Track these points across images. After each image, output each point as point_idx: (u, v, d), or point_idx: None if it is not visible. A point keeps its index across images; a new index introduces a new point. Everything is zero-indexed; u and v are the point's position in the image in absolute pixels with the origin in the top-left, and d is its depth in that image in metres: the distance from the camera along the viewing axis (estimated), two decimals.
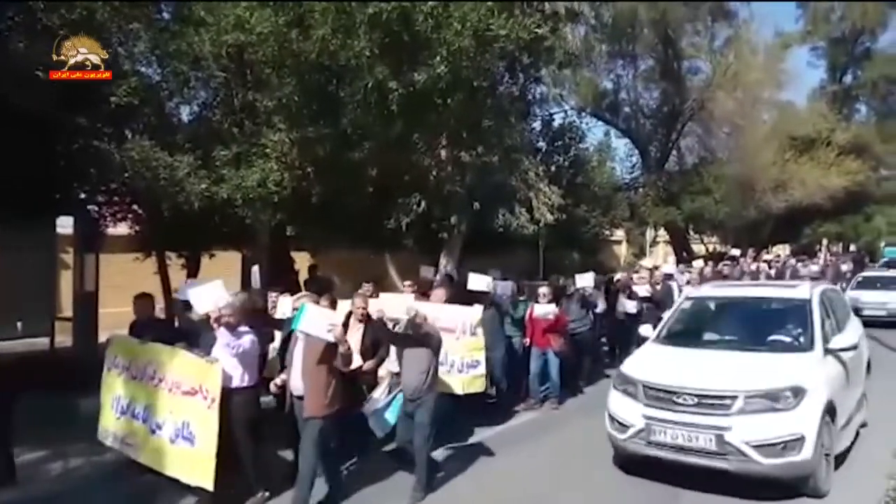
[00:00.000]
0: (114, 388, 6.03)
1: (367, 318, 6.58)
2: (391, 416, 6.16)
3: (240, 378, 5.51)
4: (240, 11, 8.02)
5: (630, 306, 11.47)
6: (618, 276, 14.14)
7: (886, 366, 10.10)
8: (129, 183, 8.30)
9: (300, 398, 5.43)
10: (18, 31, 7.63)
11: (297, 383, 5.48)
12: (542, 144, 16.48)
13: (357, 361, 6.21)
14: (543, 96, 13.80)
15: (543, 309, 8.92)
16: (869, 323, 13.40)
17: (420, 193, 11.19)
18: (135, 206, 10.31)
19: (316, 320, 5.24)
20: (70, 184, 8.88)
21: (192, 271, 11.44)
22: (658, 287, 12.54)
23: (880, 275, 19.36)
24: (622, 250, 30.15)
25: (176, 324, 7.62)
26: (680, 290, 13.09)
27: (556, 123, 17.22)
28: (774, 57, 26.28)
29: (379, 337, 6.41)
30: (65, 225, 10.69)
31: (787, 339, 6.45)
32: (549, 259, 18.43)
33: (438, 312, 6.73)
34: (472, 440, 7.47)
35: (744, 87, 23.57)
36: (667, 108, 25.00)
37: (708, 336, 6.96)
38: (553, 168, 15.62)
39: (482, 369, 7.23)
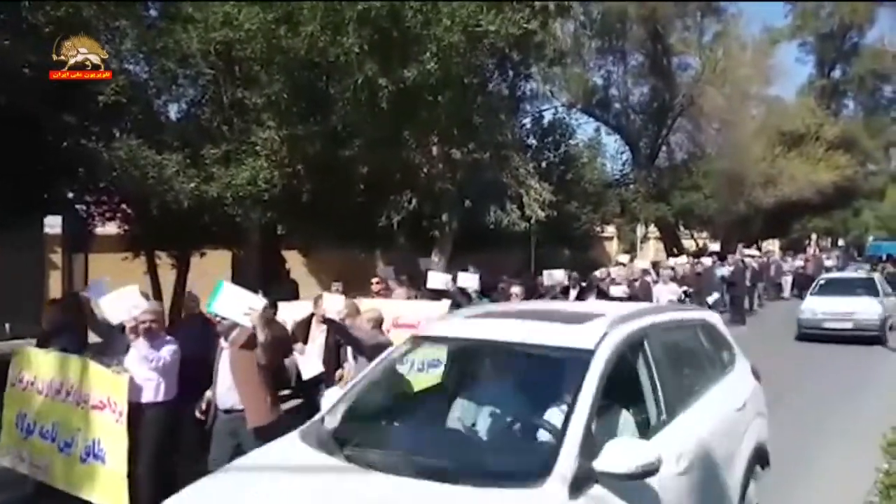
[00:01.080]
0: (18, 405, 5.43)
1: (328, 321, 6.03)
2: None
3: (154, 392, 4.90)
4: (228, 8, 7.96)
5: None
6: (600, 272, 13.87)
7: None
8: (118, 182, 8.23)
9: (227, 412, 4.84)
10: (4, 30, 7.54)
11: (222, 394, 4.87)
12: (532, 141, 16.51)
13: (318, 368, 6.08)
14: (533, 93, 13.86)
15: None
16: (831, 338, 12.89)
17: (411, 191, 11.18)
18: (123, 206, 10.22)
19: (231, 301, 4.72)
20: (58, 183, 8.79)
21: (182, 270, 11.36)
22: (637, 284, 12.26)
23: (847, 277, 17.40)
24: (613, 247, 30.23)
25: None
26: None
27: (546, 120, 17.28)
28: (763, 52, 26.42)
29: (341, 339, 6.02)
30: (53, 225, 10.61)
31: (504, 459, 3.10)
32: (540, 256, 18.44)
33: (401, 309, 6.56)
34: None
35: (733, 83, 23.67)
36: (656, 103, 25.07)
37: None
38: (544, 164, 15.66)
39: (442, 369, 6.96)
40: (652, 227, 27.86)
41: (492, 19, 8.46)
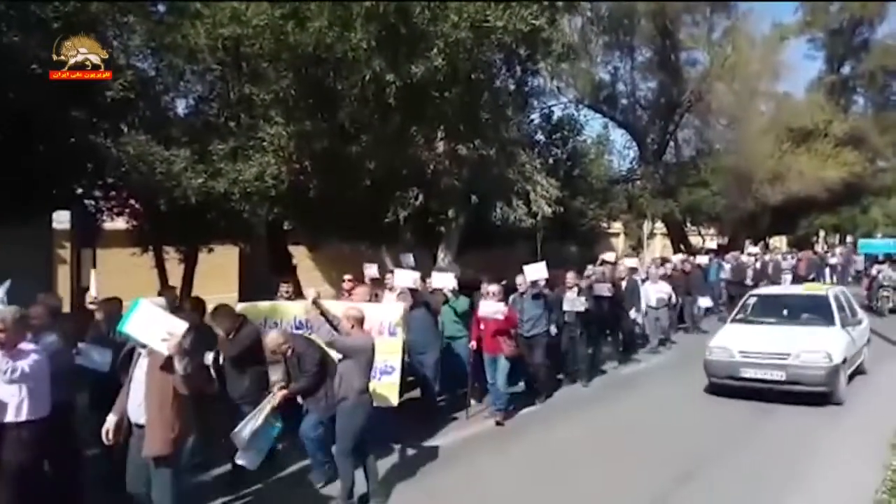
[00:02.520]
0: None
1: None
2: (263, 442, 5.38)
3: (16, 410, 4.27)
4: (236, 4, 7.97)
5: (579, 304, 9.63)
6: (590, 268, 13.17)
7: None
8: (126, 177, 8.28)
9: (140, 427, 4.37)
10: (12, 26, 7.58)
11: (134, 408, 4.41)
12: (539, 137, 16.44)
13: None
14: (541, 89, 13.76)
15: (490, 307, 7.74)
16: (752, 394, 8.44)
17: (417, 187, 11.16)
18: (131, 201, 10.28)
19: (148, 323, 4.27)
20: (66, 178, 8.83)
21: (190, 265, 11.41)
22: (624, 282, 11.84)
23: (790, 293, 11.78)
24: (620, 243, 30.14)
25: None
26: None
27: (553, 116, 17.20)
28: (772, 48, 26.20)
29: (303, 352, 5.67)
30: (61, 220, 10.65)
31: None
32: (546, 252, 18.39)
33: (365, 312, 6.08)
34: (392, 459, 6.44)
35: (741, 79, 23.50)
36: (664, 99, 24.90)
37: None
38: (551, 161, 15.59)
39: (396, 377, 6.50)
40: (659, 224, 27.74)
41: (499, 15, 8.43)
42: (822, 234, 28.46)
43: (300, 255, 15.19)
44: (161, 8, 9.03)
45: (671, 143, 25.98)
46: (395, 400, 6.51)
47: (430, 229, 12.72)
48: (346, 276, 8.68)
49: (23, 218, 8.89)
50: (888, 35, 30.25)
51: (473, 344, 7.99)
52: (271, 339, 5.71)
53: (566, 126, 16.78)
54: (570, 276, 9.72)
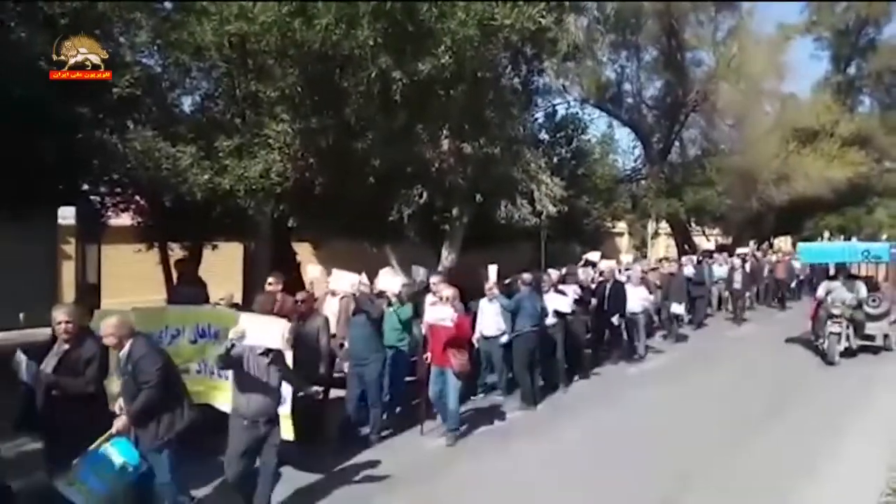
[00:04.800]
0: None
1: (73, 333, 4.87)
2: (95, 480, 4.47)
3: None
4: (243, 2, 7.96)
5: (562, 304, 9.38)
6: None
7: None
8: (132, 173, 8.28)
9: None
10: (20, 22, 7.59)
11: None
12: (544, 136, 16.45)
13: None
14: (546, 87, 13.76)
15: (437, 312, 6.95)
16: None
17: (422, 185, 11.15)
18: (137, 197, 10.29)
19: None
20: (72, 174, 8.84)
21: (195, 262, 11.42)
22: (608, 284, 11.10)
23: None
24: (624, 242, 30.08)
25: None
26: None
27: (558, 115, 17.20)
28: (777, 48, 26.10)
29: (140, 357, 4.68)
30: (66, 216, 10.68)
31: None
32: (550, 251, 18.38)
33: (248, 323, 5.02)
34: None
35: (747, 79, 23.41)
36: (670, 99, 24.85)
37: None
38: (555, 160, 15.58)
39: (287, 408, 5.53)
40: (663, 224, 27.68)
41: (507, 13, 8.42)
42: (826, 234, 28.33)
43: (304, 253, 15.21)
44: (168, 5, 9.02)
45: (676, 143, 25.91)
46: (289, 434, 5.49)
47: (433, 227, 12.71)
48: (270, 279, 7.40)
49: (28, 214, 8.93)
50: (895, 35, 30.13)
51: (429, 356, 7.25)
52: (104, 322, 4.84)
53: (571, 125, 16.79)
54: (553, 276, 9.59)
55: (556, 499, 5.71)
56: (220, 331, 5.74)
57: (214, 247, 11.96)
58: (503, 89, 11.12)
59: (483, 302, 8.75)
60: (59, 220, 10.68)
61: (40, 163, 7.73)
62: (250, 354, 4.86)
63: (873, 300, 11.88)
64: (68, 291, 11.22)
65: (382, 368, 7.15)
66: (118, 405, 4.83)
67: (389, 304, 7.67)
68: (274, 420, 5.00)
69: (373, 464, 6.41)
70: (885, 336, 11.95)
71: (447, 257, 12.42)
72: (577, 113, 17.63)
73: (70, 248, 11.60)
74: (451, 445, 6.99)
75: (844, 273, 12.42)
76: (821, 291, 12.00)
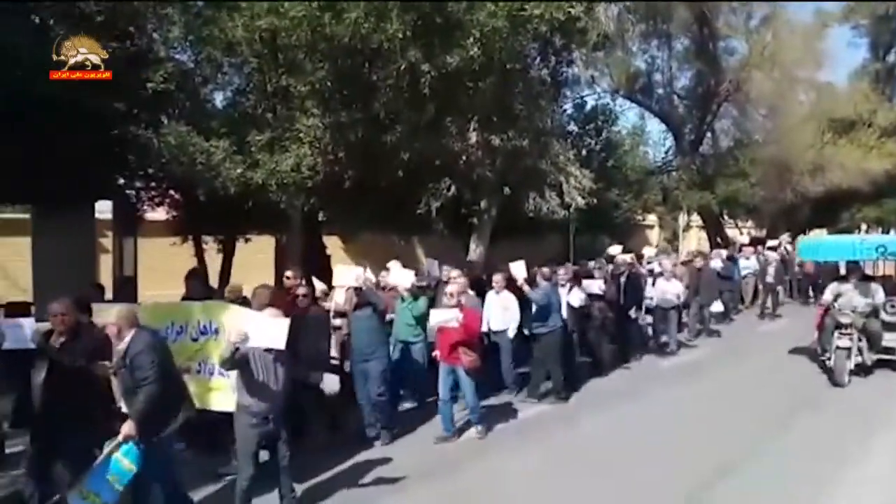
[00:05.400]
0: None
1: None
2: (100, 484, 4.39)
3: None
4: None
5: (575, 299, 9.10)
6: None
7: None
8: (166, 168, 8.43)
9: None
10: (58, 21, 7.78)
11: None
12: (573, 127, 16.33)
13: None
14: (575, 78, 13.64)
15: (441, 315, 6.73)
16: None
17: (450, 178, 11.16)
18: (171, 191, 10.49)
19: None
20: (109, 169, 9.05)
21: (228, 255, 11.62)
22: (623, 278, 10.60)
23: None
24: (654, 235, 29.74)
25: None
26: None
27: (587, 106, 17.05)
28: (813, 36, 25.42)
29: (137, 353, 4.57)
30: (103, 210, 10.93)
31: None
32: (579, 244, 18.28)
33: (244, 323, 5.01)
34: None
35: (781, 68, 22.87)
36: (702, 89, 24.38)
37: None
38: (584, 151, 15.49)
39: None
40: (695, 216, 27.27)
41: (536, 3, 8.35)
42: (863, 227, 27.59)
43: (334, 246, 15.36)
44: (200, 1, 9.15)
45: (708, 134, 25.44)
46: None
47: (462, 220, 12.73)
48: (287, 274, 7.44)
49: (66, 208, 9.15)
50: None
51: (437, 354, 7.00)
52: (110, 312, 4.85)
53: (600, 116, 16.66)
54: (563, 271, 9.26)
55: (576, 494, 5.59)
56: (220, 326, 5.65)
57: (247, 240, 12.16)
58: (532, 81, 11.06)
59: (490, 295, 8.62)
60: (97, 215, 10.92)
61: (78, 158, 7.93)
62: (255, 351, 4.80)
63: (892, 305, 9.73)
64: (106, 284, 11.48)
65: (388, 363, 6.94)
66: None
67: (402, 300, 7.56)
68: (282, 416, 4.97)
69: (386, 461, 6.29)
70: None
71: (475, 250, 12.43)
72: (606, 104, 17.53)
73: (108, 241, 11.87)
74: (482, 438, 6.92)
75: (857, 273, 9.96)
76: (827, 295, 9.75)
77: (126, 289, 10.27)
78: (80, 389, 4.62)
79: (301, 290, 6.87)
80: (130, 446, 4.40)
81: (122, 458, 4.37)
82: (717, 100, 23.85)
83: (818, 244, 11.41)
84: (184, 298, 7.04)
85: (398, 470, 6.10)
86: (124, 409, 4.74)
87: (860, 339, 9.24)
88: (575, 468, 6.11)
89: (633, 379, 9.81)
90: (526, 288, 8.38)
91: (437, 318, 6.72)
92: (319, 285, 7.71)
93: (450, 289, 6.91)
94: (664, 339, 11.59)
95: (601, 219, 17.06)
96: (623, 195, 17.96)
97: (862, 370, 9.21)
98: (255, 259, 11.95)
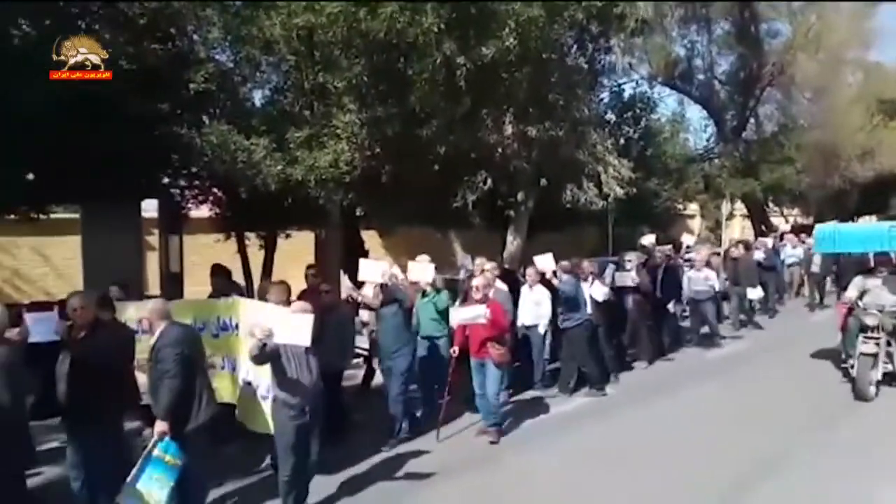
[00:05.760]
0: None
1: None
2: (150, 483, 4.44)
3: None
4: None
5: (599, 293, 8.79)
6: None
7: None
8: (209, 166, 8.60)
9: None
10: (103, 24, 8.00)
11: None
12: (611, 116, 16.08)
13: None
14: (612, 66, 13.39)
15: (466, 313, 6.58)
16: None
17: (486, 170, 11.12)
18: (214, 189, 10.71)
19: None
20: (153, 169, 9.28)
21: (269, 251, 11.82)
22: (659, 271, 10.28)
23: None
24: (696, 225, 29.15)
25: None
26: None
27: (625, 94, 16.77)
28: (861, 15, 24.52)
29: (162, 346, 4.74)
30: (149, 208, 11.23)
31: None
32: (618, 235, 18.04)
33: (257, 319, 5.16)
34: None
35: (827, 49, 22.16)
36: (744, 73, 23.81)
37: None
38: (623, 140, 15.23)
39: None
40: (738, 204, 26.64)
41: None
42: None
43: (372, 240, 15.48)
44: (238, 1, 9.28)
45: (751, 119, 24.85)
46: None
47: (498, 213, 12.68)
48: (311, 270, 7.49)
49: (114, 208, 9.43)
50: None
51: (455, 350, 6.83)
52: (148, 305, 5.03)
53: (639, 104, 16.35)
54: (587, 264, 9.11)
55: (608, 492, 5.48)
56: (240, 322, 5.71)
57: (287, 235, 12.34)
58: (568, 70, 10.92)
59: (523, 289, 8.54)
60: (143, 213, 11.21)
61: (124, 159, 8.14)
62: (286, 344, 4.83)
63: None
64: (153, 281, 11.82)
65: (413, 360, 6.89)
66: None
67: (424, 294, 7.47)
68: (317, 408, 5.00)
69: (414, 456, 6.29)
70: None
71: (512, 242, 12.37)
72: (645, 91, 17.14)
73: (154, 239, 12.19)
74: (495, 443, 6.70)
75: (888, 267, 8.56)
76: (851, 292, 8.49)
77: (173, 284, 10.53)
78: (99, 383, 4.64)
79: (324, 287, 6.93)
80: (167, 442, 4.50)
81: (162, 455, 4.47)
82: (759, 84, 23.26)
83: (837, 233, 9.40)
84: (210, 295, 7.17)
85: (427, 465, 6.10)
86: (147, 402, 4.95)
87: (889, 344, 8.02)
88: (607, 465, 6.03)
89: (669, 373, 9.65)
90: (555, 280, 8.34)
91: (463, 315, 6.60)
92: (346, 283, 7.75)
93: (476, 282, 6.81)
94: (701, 331, 11.32)
95: (641, 209, 16.78)
96: (663, 184, 17.62)
97: (893, 379, 8.10)
98: (296, 254, 12.11)
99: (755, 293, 12.95)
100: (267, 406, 5.28)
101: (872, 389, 7.75)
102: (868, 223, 13.38)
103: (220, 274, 7.80)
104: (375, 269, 6.87)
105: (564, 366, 8.58)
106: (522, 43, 8.22)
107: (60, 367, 4.76)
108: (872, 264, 8.96)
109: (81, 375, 4.65)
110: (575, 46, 11.26)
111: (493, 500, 5.55)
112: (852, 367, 8.16)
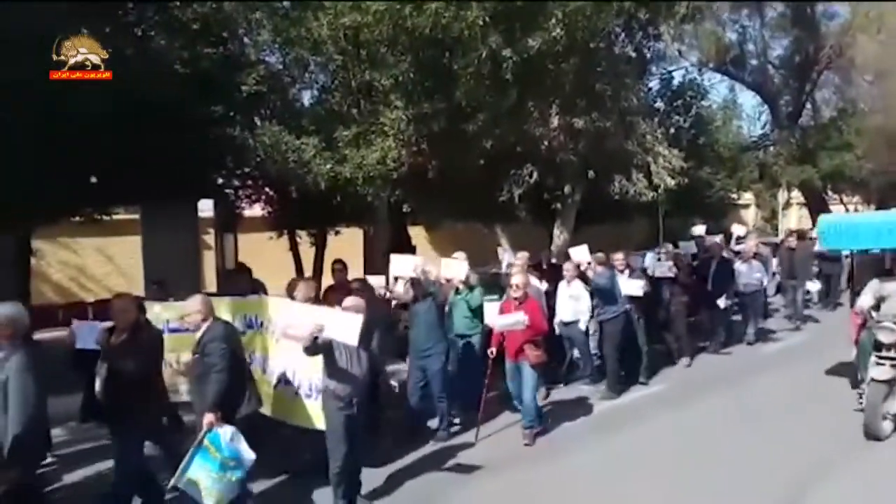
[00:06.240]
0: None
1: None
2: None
3: None
4: None
5: (634, 287, 8.45)
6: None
7: None
8: (261, 166, 8.81)
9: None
10: (158, 29, 8.28)
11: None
12: (660, 105, 15.74)
13: None
14: (661, 54, 13.14)
15: (507, 320, 6.33)
16: None
17: (532, 164, 11.05)
18: (267, 188, 10.97)
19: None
20: (209, 170, 9.56)
21: (320, 248, 12.05)
22: (713, 262, 9.78)
23: None
24: (750, 215, 28.29)
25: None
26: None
27: (675, 82, 16.39)
28: None
29: (209, 341, 4.81)
30: (205, 208, 11.58)
31: None
32: (669, 227, 17.64)
33: (289, 317, 5.44)
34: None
35: (889, 29, 21.13)
36: (799, 57, 22.91)
37: None
38: (673, 129, 14.89)
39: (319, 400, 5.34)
40: (795, 193, 25.73)
41: None
42: None
43: (419, 236, 15.59)
44: (286, 3, 9.46)
45: (808, 105, 23.92)
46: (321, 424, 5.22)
47: (545, 206, 12.58)
48: (336, 265, 7.48)
49: (172, 208, 9.77)
50: None
51: (493, 351, 6.59)
52: (191, 300, 5.03)
53: (689, 92, 15.93)
54: (620, 257, 8.75)
55: (647, 495, 5.24)
56: (265, 320, 5.73)
57: (337, 232, 12.54)
58: (616, 59, 10.74)
59: (561, 285, 8.30)
60: (199, 213, 11.56)
61: (181, 160, 8.42)
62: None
63: None
64: (210, 278, 12.20)
65: (447, 358, 6.68)
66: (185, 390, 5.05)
67: (457, 292, 7.30)
68: (363, 401, 5.03)
69: (451, 454, 6.19)
70: None
71: (559, 236, 12.27)
72: (695, 79, 16.70)
73: (210, 238, 12.57)
74: (530, 445, 6.48)
75: None
76: (865, 299, 6.78)
77: (233, 280, 10.83)
78: (141, 384, 4.71)
79: (356, 284, 6.85)
80: (215, 433, 4.55)
81: (209, 446, 4.52)
82: (816, 68, 22.36)
83: (847, 225, 7.56)
84: (232, 293, 7.15)
85: (465, 464, 6.03)
86: (182, 398, 5.06)
87: None
88: (647, 466, 5.79)
89: (716, 369, 9.23)
90: (590, 273, 8.11)
91: (503, 322, 6.36)
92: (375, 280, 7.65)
93: (515, 280, 6.50)
94: (748, 327, 10.76)
95: (692, 200, 16.37)
96: (716, 173, 17.15)
97: None
98: (346, 251, 12.30)
99: (813, 285, 12.43)
100: (311, 402, 5.35)
101: (887, 425, 6.17)
102: (872, 214, 10.64)
103: (241, 273, 7.85)
104: (407, 263, 6.67)
105: (608, 361, 8.42)
106: (569, 33, 8.13)
107: (100, 369, 4.80)
108: (889, 265, 7.36)
109: (124, 377, 4.70)
110: (623, 35, 11.06)
111: (531, 499, 5.46)
112: (861, 395, 6.51)
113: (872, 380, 6.22)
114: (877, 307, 6.70)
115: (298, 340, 5.06)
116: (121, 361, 4.75)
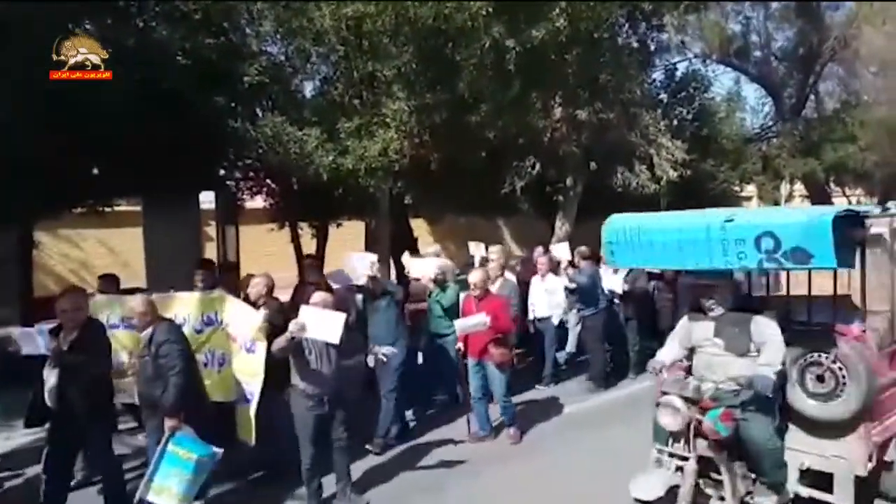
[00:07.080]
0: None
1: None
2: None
3: None
4: None
5: (616, 282, 8.39)
6: None
7: None
8: (263, 158, 8.77)
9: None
10: (160, 22, 8.23)
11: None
12: (663, 96, 15.68)
13: None
14: (664, 45, 13.08)
15: (468, 322, 6.18)
16: None
17: (534, 155, 11.02)
18: (268, 180, 10.93)
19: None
20: (210, 161, 9.52)
21: (322, 240, 12.03)
22: None
23: None
24: (753, 207, 28.19)
25: None
26: None
27: (678, 73, 16.33)
28: None
29: (162, 341, 4.85)
30: (206, 200, 11.55)
31: None
32: None
33: (231, 315, 5.45)
34: None
35: (895, 20, 20.99)
36: (803, 49, 22.78)
37: None
38: (676, 121, 14.84)
39: (253, 407, 5.27)
40: (798, 185, 25.64)
41: None
42: None
43: (420, 228, 15.56)
44: None
45: (811, 97, 23.80)
46: (250, 436, 5.29)
47: (547, 198, 12.56)
48: (307, 262, 7.49)
49: (174, 199, 9.74)
50: None
51: (460, 346, 6.50)
52: (135, 301, 4.97)
53: (692, 83, 15.88)
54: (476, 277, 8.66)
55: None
56: (224, 317, 5.62)
57: (339, 225, 12.52)
58: (620, 50, 10.69)
59: (534, 280, 8.30)
60: (201, 205, 11.54)
61: (182, 152, 8.38)
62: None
63: (822, 367, 4.30)
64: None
65: (405, 358, 6.47)
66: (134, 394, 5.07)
67: (431, 292, 7.21)
68: (339, 397, 5.07)
69: (421, 457, 6.18)
70: None
71: (561, 228, 12.25)
72: (698, 69, 16.68)
73: (211, 229, 12.55)
74: (517, 443, 6.50)
75: (727, 296, 4.53)
76: (668, 349, 4.82)
77: (229, 274, 10.82)
78: (91, 387, 4.61)
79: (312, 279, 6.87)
80: (180, 436, 4.52)
81: (177, 450, 4.48)
82: (820, 59, 22.22)
83: (638, 232, 4.78)
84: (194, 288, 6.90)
85: (431, 468, 6.02)
86: (127, 400, 5.16)
87: (730, 463, 4.24)
88: (637, 463, 5.56)
89: None
90: (570, 271, 8.09)
91: (464, 325, 6.19)
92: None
93: (472, 278, 6.33)
94: None
95: (695, 192, 16.28)
96: (719, 165, 17.09)
97: None
98: (347, 243, 12.29)
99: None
100: (241, 407, 5.40)
101: None
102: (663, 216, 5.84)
103: (204, 268, 7.72)
104: (363, 261, 6.49)
105: (591, 353, 8.40)
106: (572, 23, 8.08)
107: (48, 376, 4.63)
108: (693, 295, 4.85)
109: (74, 382, 4.55)
110: (626, 26, 11.01)
111: (515, 497, 5.46)
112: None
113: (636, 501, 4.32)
114: (689, 357, 4.64)
115: (233, 340, 5.29)
116: (76, 364, 4.55)
